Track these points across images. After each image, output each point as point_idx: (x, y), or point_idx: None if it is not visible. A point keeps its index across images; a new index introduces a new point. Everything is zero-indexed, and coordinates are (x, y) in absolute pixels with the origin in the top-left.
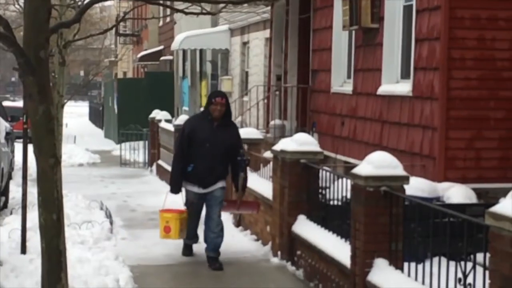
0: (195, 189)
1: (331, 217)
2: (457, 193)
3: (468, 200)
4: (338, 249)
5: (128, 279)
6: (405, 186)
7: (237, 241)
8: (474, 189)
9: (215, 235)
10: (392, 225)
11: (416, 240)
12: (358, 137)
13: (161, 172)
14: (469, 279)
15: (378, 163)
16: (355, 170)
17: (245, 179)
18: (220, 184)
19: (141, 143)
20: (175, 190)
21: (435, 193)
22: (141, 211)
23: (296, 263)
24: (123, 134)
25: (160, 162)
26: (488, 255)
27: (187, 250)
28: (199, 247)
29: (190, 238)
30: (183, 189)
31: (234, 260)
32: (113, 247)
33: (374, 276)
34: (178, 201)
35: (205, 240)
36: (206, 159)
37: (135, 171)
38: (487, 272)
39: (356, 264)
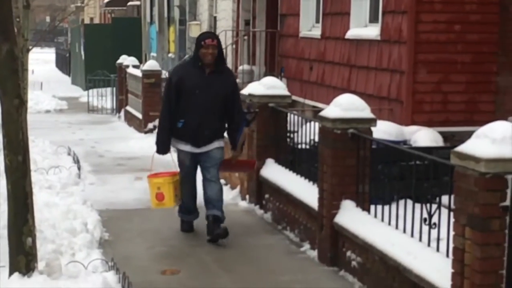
0: (187, 148)
1: (299, 161)
2: (424, 136)
3: (434, 143)
4: (306, 191)
5: (97, 223)
6: (373, 130)
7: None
8: (441, 133)
9: (215, 194)
10: (359, 167)
11: (383, 183)
12: (326, 81)
13: (129, 118)
14: (434, 219)
15: (346, 106)
16: (323, 113)
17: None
18: (217, 143)
19: (108, 89)
20: (162, 150)
21: (402, 137)
22: (109, 157)
23: (264, 207)
24: (90, 81)
25: (128, 108)
26: (453, 197)
27: (187, 225)
28: None
29: (188, 212)
30: (173, 149)
31: (202, 204)
32: (81, 192)
33: (341, 218)
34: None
35: (205, 201)
36: (198, 112)
37: (103, 117)
38: (452, 214)
39: (324, 206)
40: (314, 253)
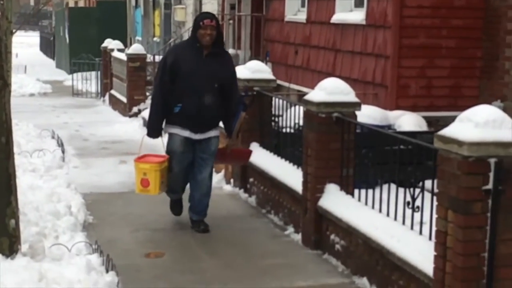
0: (186, 134)
1: (283, 145)
2: (408, 121)
3: (418, 128)
4: (290, 175)
5: (80, 206)
6: (357, 114)
7: None
8: (425, 118)
9: (203, 195)
10: (344, 151)
11: (367, 167)
12: (312, 66)
13: (113, 102)
14: (418, 203)
15: (331, 90)
16: (308, 97)
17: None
18: (214, 132)
19: (93, 73)
20: (153, 133)
21: (386, 121)
22: (94, 140)
23: (248, 190)
24: (75, 64)
25: (112, 92)
26: (436, 181)
27: (177, 208)
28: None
29: (174, 191)
30: (164, 134)
31: (186, 188)
32: (65, 175)
33: (325, 201)
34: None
35: (190, 200)
36: (195, 96)
37: (88, 101)
38: (435, 198)
39: (308, 189)
40: (298, 237)
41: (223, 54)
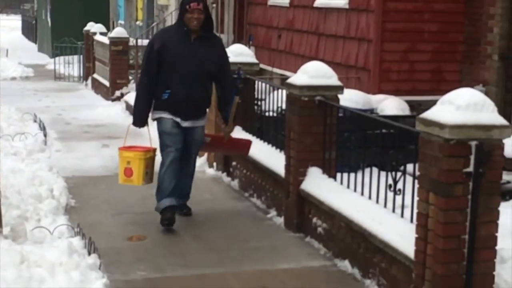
0: (177, 120)
1: (266, 128)
2: (391, 105)
3: (401, 112)
4: (273, 159)
5: (62, 189)
6: (340, 98)
7: None
8: (408, 102)
9: (186, 178)
10: (326, 134)
11: (350, 150)
12: (295, 50)
13: (96, 86)
14: (399, 186)
15: (313, 73)
16: (290, 80)
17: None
18: (202, 121)
19: (75, 57)
20: (139, 122)
21: (369, 105)
22: (76, 124)
23: (231, 174)
24: (57, 48)
25: (95, 75)
26: (417, 164)
27: (169, 216)
28: None
29: (165, 193)
30: (152, 122)
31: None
32: (47, 158)
33: (307, 185)
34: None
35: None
36: (186, 83)
37: (70, 85)
38: (416, 182)
39: (290, 173)
40: (280, 220)
41: (213, 38)
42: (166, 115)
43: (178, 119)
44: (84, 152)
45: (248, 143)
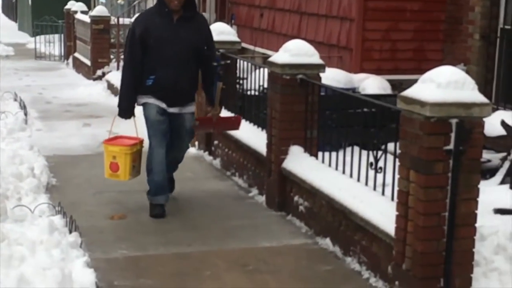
0: (163, 106)
1: (248, 107)
2: (373, 84)
3: (383, 91)
4: (255, 138)
5: (43, 168)
6: (322, 77)
7: None
8: (389, 81)
9: (173, 162)
10: (308, 113)
11: (331, 129)
12: (277, 29)
13: (77, 65)
14: (381, 165)
15: (295, 51)
16: (272, 58)
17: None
18: (191, 107)
19: (56, 35)
20: (125, 113)
21: (351, 84)
22: (57, 103)
23: (213, 153)
24: (37, 26)
25: (76, 54)
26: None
27: (159, 209)
28: None
29: (157, 190)
30: (138, 110)
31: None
32: (28, 137)
33: (289, 163)
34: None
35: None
36: (171, 67)
37: (51, 64)
38: (397, 161)
39: (272, 151)
40: (262, 198)
41: (196, 17)
42: (151, 101)
43: (164, 105)
44: (65, 131)
45: (238, 119)
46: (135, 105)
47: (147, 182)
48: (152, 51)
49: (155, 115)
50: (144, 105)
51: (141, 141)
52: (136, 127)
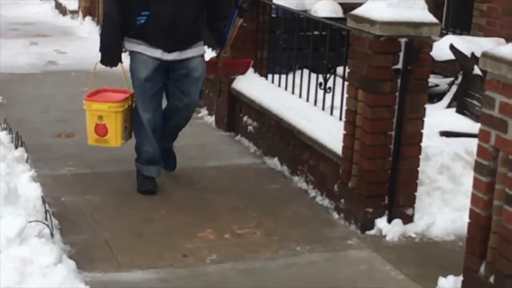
0: (157, 54)
1: None
2: (324, 7)
3: (334, 14)
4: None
5: None
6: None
7: None
8: (341, 4)
9: (176, 129)
10: (258, 33)
11: (282, 51)
12: None
13: None
14: (330, 85)
15: None
16: None
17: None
18: (196, 49)
19: None
20: (109, 60)
21: (302, 6)
22: (3, 21)
23: None
24: None
25: None
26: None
27: (149, 183)
28: None
29: (149, 161)
30: (128, 56)
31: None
32: None
33: (238, 83)
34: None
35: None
36: (168, 1)
37: None
38: (346, 82)
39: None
40: (211, 119)
41: None
42: (141, 49)
43: (159, 53)
44: (12, 50)
45: (248, 63)
46: (122, 49)
47: (134, 148)
48: None
49: (145, 72)
50: (131, 54)
51: (132, 94)
52: (125, 75)
